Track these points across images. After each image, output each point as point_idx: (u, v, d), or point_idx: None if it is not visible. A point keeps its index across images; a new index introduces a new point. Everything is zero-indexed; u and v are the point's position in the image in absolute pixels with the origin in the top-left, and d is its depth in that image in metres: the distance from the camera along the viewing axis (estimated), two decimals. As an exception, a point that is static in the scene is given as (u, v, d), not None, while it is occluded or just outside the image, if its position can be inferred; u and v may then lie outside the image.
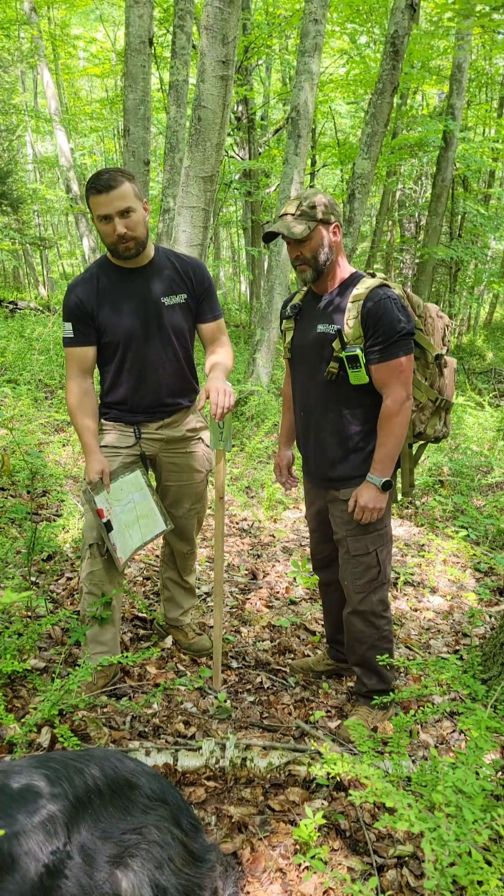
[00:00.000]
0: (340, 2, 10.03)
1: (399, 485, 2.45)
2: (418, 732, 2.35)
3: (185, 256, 2.40)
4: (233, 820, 1.81)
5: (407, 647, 2.97)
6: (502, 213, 13.93)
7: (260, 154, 12.53)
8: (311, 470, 2.35)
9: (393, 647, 2.39)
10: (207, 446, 2.56)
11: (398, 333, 2.03)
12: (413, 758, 2.16)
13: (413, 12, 6.31)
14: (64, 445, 5.02)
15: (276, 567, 3.74)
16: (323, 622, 2.79)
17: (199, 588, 3.17)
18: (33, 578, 3.02)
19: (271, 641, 2.95)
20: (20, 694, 2.23)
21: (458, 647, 3.00)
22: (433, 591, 3.58)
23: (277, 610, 3.26)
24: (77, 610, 2.58)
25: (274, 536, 4.19)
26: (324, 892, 1.61)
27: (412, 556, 3.97)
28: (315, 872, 1.61)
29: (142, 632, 2.87)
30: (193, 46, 7.96)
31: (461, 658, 2.77)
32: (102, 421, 2.40)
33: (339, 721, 2.39)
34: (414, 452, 2.44)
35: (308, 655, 2.86)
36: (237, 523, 4.37)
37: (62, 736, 1.82)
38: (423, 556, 3.96)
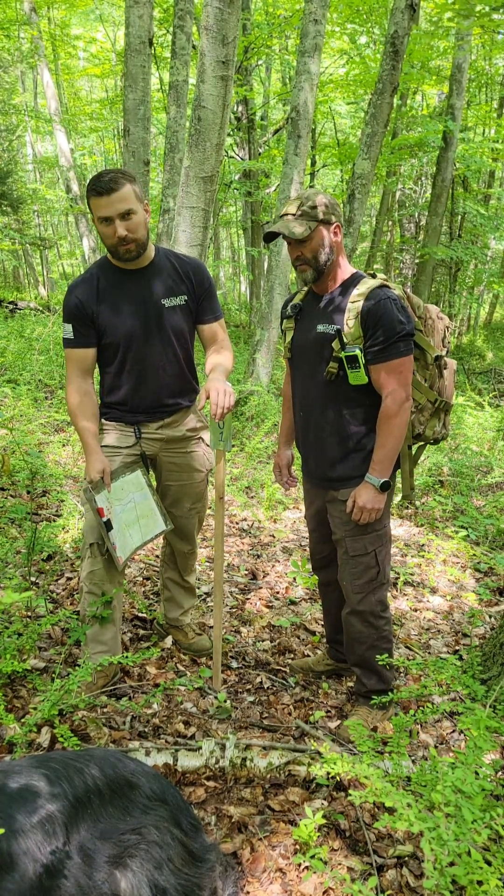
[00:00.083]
0: (340, 2, 10.03)
1: (399, 487, 2.46)
2: (418, 732, 2.35)
3: (184, 257, 2.40)
4: (233, 820, 1.82)
5: (407, 647, 2.97)
6: (502, 213, 13.93)
7: (260, 154, 12.53)
8: (311, 470, 2.35)
9: (392, 647, 2.39)
10: (207, 446, 2.57)
11: (398, 334, 2.03)
12: (413, 758, 2.16)
13: (413, 12, 6.31)
14: (64, 445, 5.02)
15: (276, 567, 3.74)
16: (323, 622, 2.80)
17: (199, 588, 3.17)
18: (33, 578, 3.03)
19: (271, 641, 2.95)
20: (20, 694, 2.23)
21: (457, 647, 3.00)
22: (433, 591, 3.58)
23: (277, 610, 3.26)
24: (77, 610, 2.58)
25: (274, 536, 4.19)
26: (323, 892, 1.61)
27: (412, 557, 3.97)
28: (315, 872, 1.61)
29: (142, 632, 2.87)
30: (193, 47, 7.96)
31: (461, 658, 2.77)
32: (103, 421, 2.40)
33: (339, 721, 2.40)
34: (413, 453, 2.44)
35: (308, 655, 2.86)
36: (237, 523, 4.37)
37: (62, 736, 1.82)
38: (423, 556, 3.97)
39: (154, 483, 2.54)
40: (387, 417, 2.09)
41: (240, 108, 11.71)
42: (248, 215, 13.73)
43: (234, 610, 3.21)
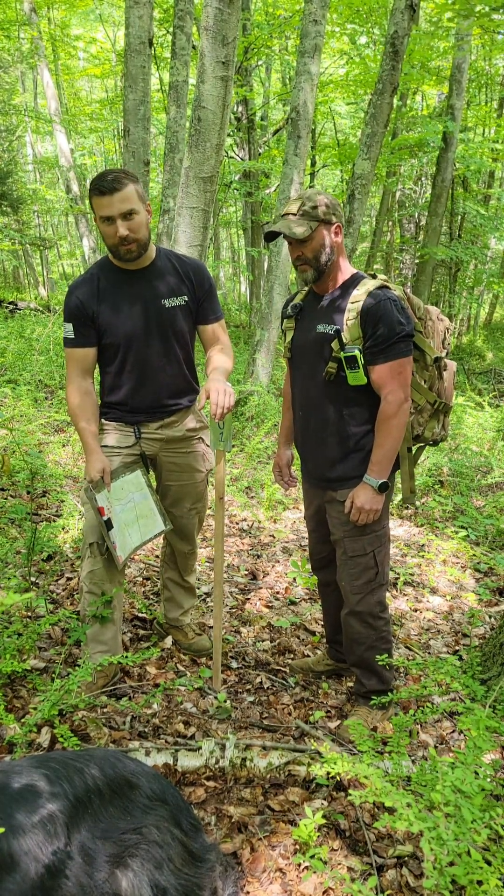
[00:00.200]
0: (340, 2, 10.03)
1: (399, 489, 2.45)
2: (418, 732, 2.35)
3: (185, 258, 2.40)
4: (232, 820, 1.82)
5: (407, 647, 2.97)
6: (502, 213, 13.93)
7: (260, 154, 12.53)
8: (310, 470, 2.35)
9: (392, 647, 2.39)
10: (207, 446, 2.57)
11: (397, 335, 2.03)
12: (413, 758, 2.16)
13: (413, 13, 6.31)
14: (64, 446, 5.02)
15: (275, 567, 3.74)
16: (322, 622, 2.80)
17: (199, 588, 3.17)
18: (33, 578, 3.03)
19: (271, 642, 2.95)
20: (20, 694, 2.23)
21: (457, 648, 3.00)
22: (433, 591, 3.59)
23: (277, 610, 3.26)
24: (77, 610, 2.58)
25: (274, 536, 4.19)
26: (323, 892, 1.62)
27: (412, 557, 3.97)
28: (315, 872, 1.61)
29: (142, 632, 2.87)
30: (193, 47, 7.96)
31: (461, 658, 2.77)
32: (103, 421, 2.41)
33: (338, 721, 2.40)
34: (412, 454, 2.44)
35: (308, 655, 2.87)
36: (237, 523, 4.37)
37: (62, 736, 1.82)
38: (422, 557, 3.97)
39: (154, 483, 2.54)
40: (385, 418, 2.09)
41: (240, 109, 11.71)
42: (248, 216, 13.73)
43: (234, 610, 3.21)
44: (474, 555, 3.95)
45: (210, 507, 3.04)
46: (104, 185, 2.06)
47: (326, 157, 13.63)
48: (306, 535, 4.13)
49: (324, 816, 1.80)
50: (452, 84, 10.34)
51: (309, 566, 2.89)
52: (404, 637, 3.05)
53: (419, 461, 2.61)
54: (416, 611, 3.36)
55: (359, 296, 2.07)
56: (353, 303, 2.08)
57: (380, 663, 2.21)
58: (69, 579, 3.14)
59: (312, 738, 2.21)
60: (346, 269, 2.19)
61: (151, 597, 3.18)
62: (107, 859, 1.26)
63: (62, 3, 14.52)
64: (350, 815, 1.87)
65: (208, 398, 2.13)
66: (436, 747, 2.28)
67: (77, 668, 2.01)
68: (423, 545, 4.16)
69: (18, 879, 1.13)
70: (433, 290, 13.61)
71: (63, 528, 3.47)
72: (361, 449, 2.20)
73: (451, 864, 1.36)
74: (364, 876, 1.67)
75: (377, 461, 2.12)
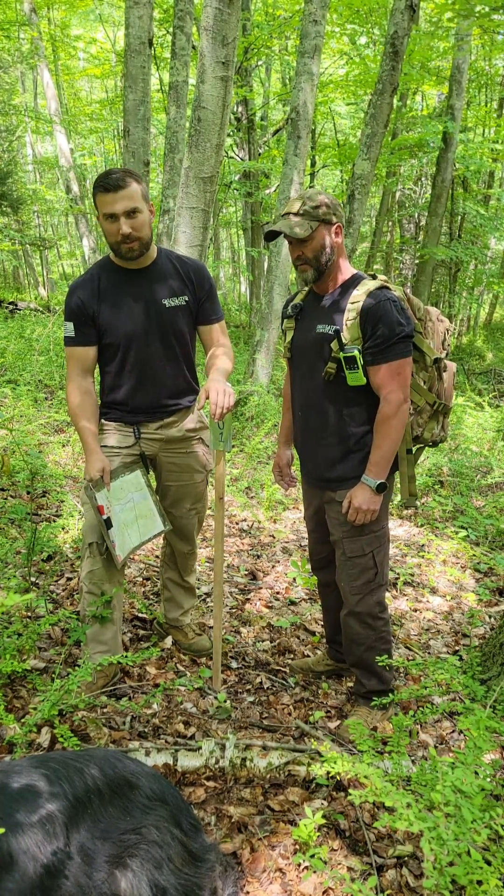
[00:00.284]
0: (340, 3, 10.03)
1: (399, 491, 2.45)
2: (418, 732, 2.35)
3: (186, 258, 2.41)
4: (232, 820, 1.82)
5: (407, 647, 2.97)
6: (502, 213, 13.93)
7: (260, 155, 12.53)
8: (309, 471, 2.35)
9: (391, 647, 2.39)
10: (207, 446, 2.57)
11: (397, 336, 2.03)
12: (413, 758, 2.16)
13: (413, 13, 6.32)
14: (64, 446, 5.02)
15: (275, 567, 3.74)
16: (322, 622, 2.80)
17: (199, 588, 3.17)
18: (33, 579, 3.03)
19: (271, 642, 2.95)
20: (20, 694, 2.23)
21: (457, 648, 3.00)
22: (433, 591, 3.58)
23: (277, 610, 3.26)
24: (77, 610, 2.58)
25: (274, 537, 4.19)
26: (323, 892, 1.62)
27: (412, 557, 3.97)
28: (315, 872, 1.61)
29: (142, 632, 2.87)
30: (193, 47, 7.96)
31: (461, 658, 2.77)
32: (103, 421, 2.41)
33: (338, 721, 2.40)
34: (412, 455, 2.44)
35: (308, 656, 2.87)
36: (237, 523, 4.37)
37: (62, 736, 1.82)
38: (422, 557, 3.97)
39: (153, 483, 2.54)
40: (384, 419, 2.09)
41: (240, 109, 11.71)
42: (248, 216, 13.73)
43: (234, 610, 3.21)
44: (474, 555, 3.95)
45: (210, 508, 3.04)
46: (109, 182, 2.07)
47: (326, 158, 13.63)
48: (306, 535, 4.13)
49: (324, 816, 1.80)
50: (452, 84, 10.35)
51: (309, 566, 2.89)
52: (404, 637, 3.05)
53: (419, 462, 2.61)
54: (415, 611, 3.36)
55: (359, 296, 2.07)
56: (352, 303, 2.08)
57: (379, 664, 2.21)
58: (69, 579, 3.14)
59: (312, 738, 2.21)
60: (347, 270, 2.19)
61: (151, 597, 3.18)
62: (106, 859, 1.26)
63: (62, 4, 14.53)
64: (350, 815, 1.87)
65: (208, 398, 2.13)
66: (436, 747, 2.28)
67: (77, 668, 2.01)
68: (422, 545, 4.16)
69: (17, 879, 1.13)
70: (433, 290, 13.61)
71: (63, 529, 3.47)
72: (361, 449, 2.19)
73: (451, 864, 1.36)
74: (364, 876, 1.67)
75: (375, 462, 2.12)
